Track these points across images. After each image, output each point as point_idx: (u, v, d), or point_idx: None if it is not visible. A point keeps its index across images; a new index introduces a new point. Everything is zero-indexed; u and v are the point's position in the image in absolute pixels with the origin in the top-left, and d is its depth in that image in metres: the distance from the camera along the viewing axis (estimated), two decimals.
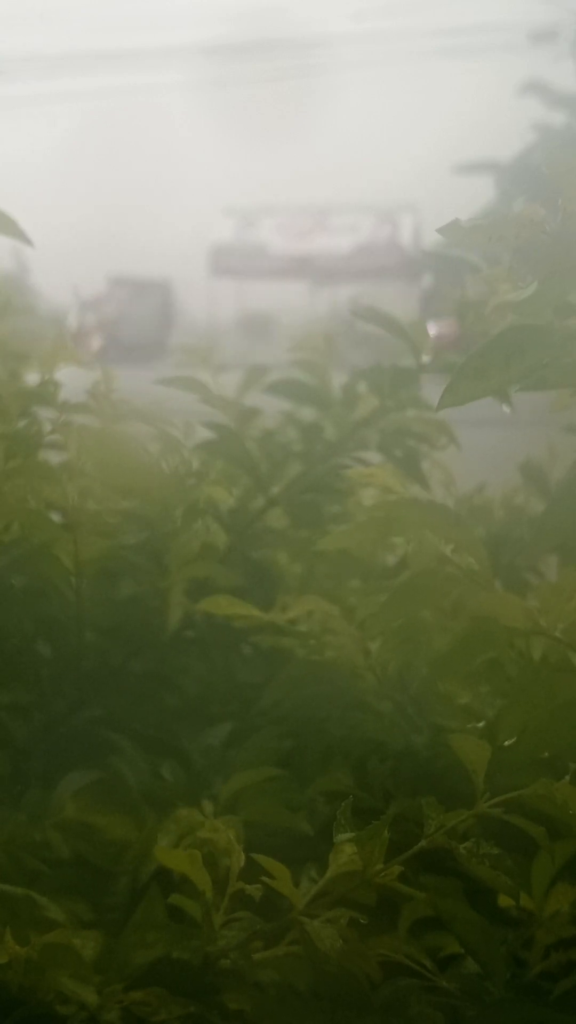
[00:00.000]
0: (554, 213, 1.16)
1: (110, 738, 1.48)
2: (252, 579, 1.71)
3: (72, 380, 1.69)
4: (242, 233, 25.32)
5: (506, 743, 1.16)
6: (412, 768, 1.37)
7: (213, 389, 1.78)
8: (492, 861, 1.07)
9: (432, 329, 1.75)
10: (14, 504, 1.55)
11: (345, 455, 1.80)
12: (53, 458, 1.58)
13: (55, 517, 1.54)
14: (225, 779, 1.37)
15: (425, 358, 1.76)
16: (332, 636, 1.45)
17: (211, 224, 24.89)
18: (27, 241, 1.45)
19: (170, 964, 1.09)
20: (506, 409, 1.27)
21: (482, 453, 2.05)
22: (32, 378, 1.77)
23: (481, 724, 1.27)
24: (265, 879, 1.08)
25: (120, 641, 1.61)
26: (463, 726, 1.32)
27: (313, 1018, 1.10)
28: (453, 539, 1.23)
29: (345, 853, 1.07)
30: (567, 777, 1.09)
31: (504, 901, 1.20)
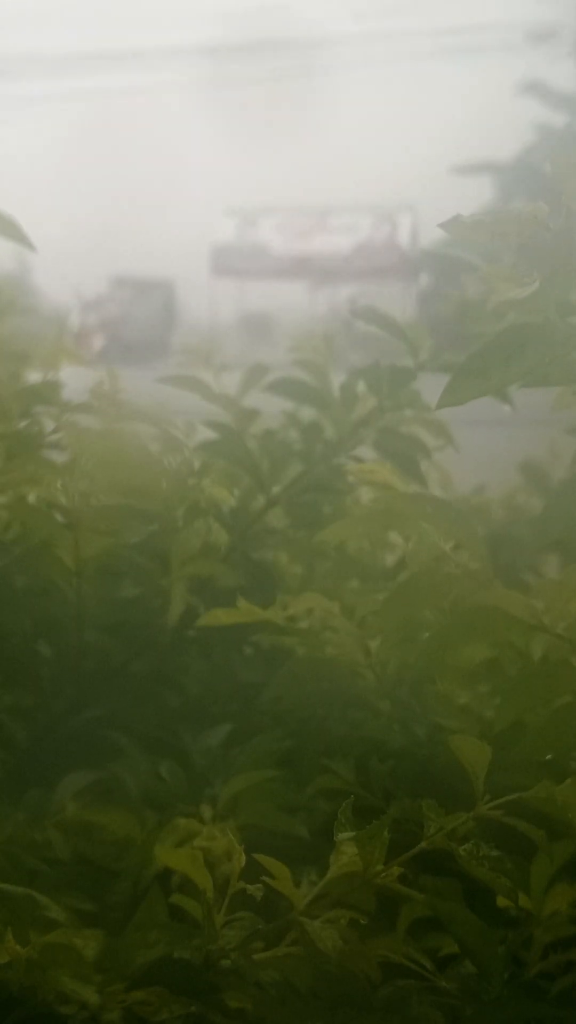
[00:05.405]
0: (556, 210, 1.16)
1: (111, 738, 1.48)
2: (253, 579, 1.71)
3: (74, 380, 1.69)
4: (243, 233, 25.35)
5: (505, 744, 1.16)
6: (412, 767, 1.37)
7: (214, 389, 1.78)
8: (491, 862, 1.06)
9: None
10: (15, 503, 1.55)
11: (344, 455, 1.80)
12: (55, 458, 1.58)
13: (56, 516, 1.54)
14: (225, 779, 1.37)
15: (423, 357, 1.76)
16: (332, 634, 1.45)
17: (212, 224, 24.92)
18: (30, 246, 1.45)
19: (171, 963, 1.09)
20: (507, 408, 1.27)
21: (482, 453, 2.05)
22: (34, 378, 1.77)
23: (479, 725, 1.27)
24: (266, 879, 1.08)
25: (121, 640, 1.61)
26: (462, 726, 1.32)
27: (313, 1018, 1.10)
28: (453, 535, 1.22)
29: (346, 854, 1.07)
30: (568, 780, 1.08)
31: (503, 901, 1.20)
